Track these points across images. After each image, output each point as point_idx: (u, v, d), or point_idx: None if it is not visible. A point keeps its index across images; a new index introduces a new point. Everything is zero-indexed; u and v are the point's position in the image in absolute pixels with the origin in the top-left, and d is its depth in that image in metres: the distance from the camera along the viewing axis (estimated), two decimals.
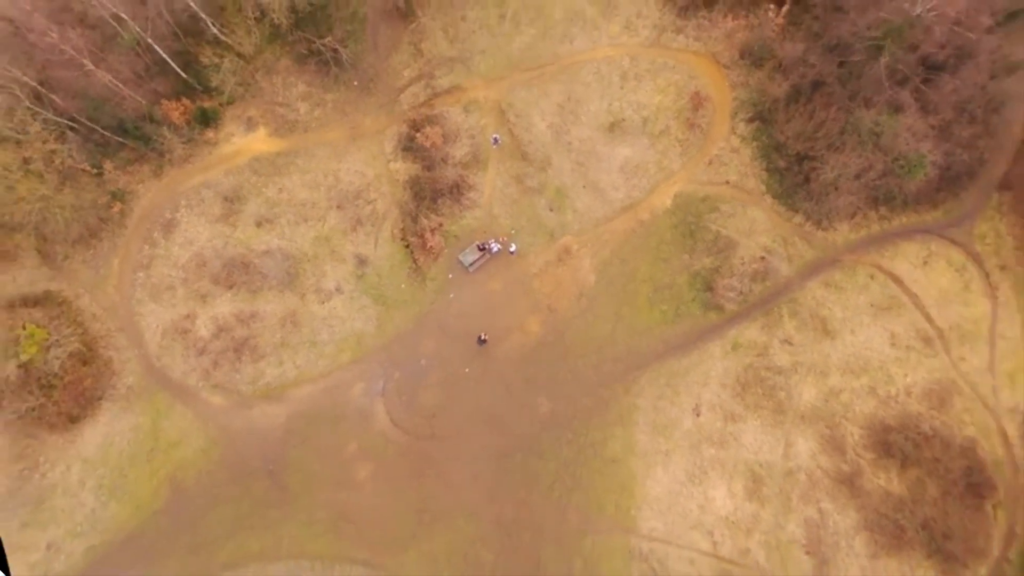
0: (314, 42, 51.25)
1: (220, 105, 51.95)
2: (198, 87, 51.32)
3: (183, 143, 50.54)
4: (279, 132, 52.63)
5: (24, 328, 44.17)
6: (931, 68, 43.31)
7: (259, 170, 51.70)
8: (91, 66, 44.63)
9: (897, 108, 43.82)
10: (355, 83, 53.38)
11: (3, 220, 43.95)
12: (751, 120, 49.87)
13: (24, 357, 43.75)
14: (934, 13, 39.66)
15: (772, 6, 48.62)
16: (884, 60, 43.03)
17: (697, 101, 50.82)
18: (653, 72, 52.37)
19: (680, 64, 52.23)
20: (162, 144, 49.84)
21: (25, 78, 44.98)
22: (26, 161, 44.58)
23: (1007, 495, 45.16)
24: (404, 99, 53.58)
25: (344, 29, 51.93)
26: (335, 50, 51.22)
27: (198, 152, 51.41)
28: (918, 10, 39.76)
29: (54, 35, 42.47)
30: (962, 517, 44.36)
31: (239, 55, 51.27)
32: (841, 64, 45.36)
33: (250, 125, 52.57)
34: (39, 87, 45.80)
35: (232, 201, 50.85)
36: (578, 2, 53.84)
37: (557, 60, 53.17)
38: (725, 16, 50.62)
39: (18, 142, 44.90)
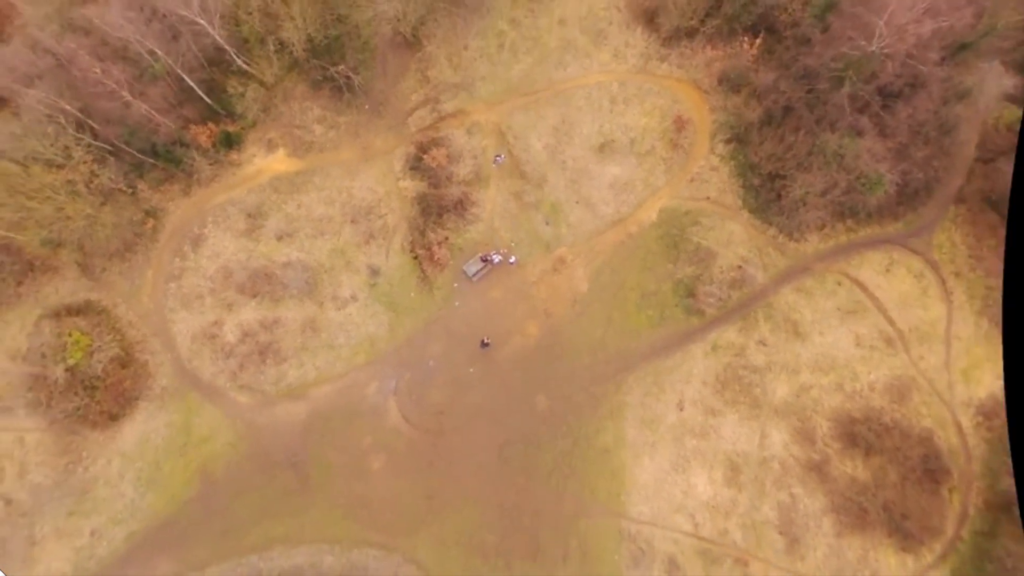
0: (328, 69, 55.78)
1: (243, 129, 56.51)
2: (222, 112, 55.91)
3: (210, 164, 55.10)
4: (297, 153, 57.23)
5: (70, 335, 48.68)
6: (888, 96, 48.10)
7: (279, 188, 56.29)
8: (129, 97, 49.24)
9: (858, 132, 48.59)
10: (366, 107, 57.96)
11: (51, 237, 48.35)
12: (729, 141, 54.62)
13: (71, 361, 48.28)
14: (888, 49, 44.42)
15: (746, 38, 53.37)
16: (846, 89, 47.82)
17: (680, 123, 55.54)
18: (640, 96, 57.07)
19: (664, 89, 56.98)
20: (191, 165, 54.42)
21: (69, 108, 49.65)
22: (70, 183, 49.06)
23: (961, 480, 49.87)
24: (412, 122, 58.16)
25: (356, 58, 56.39)
26: (348, 77, 55.78)
27: (223, 172, 56.00)
28: (874, 46, 44.51)
29: (98, 71, 47.02)
30: (920, 500, 49.08)
31: (261, 83, 55.84)
32: (808, 91, 50.13)
33: (270, 147, 57.17)
34: (81, 116, 50.40)
35: (255, 217, 55.43)
36: (571, 32, 58.56)
37: (552, 86, 57.84)
38: (705, 46, 55.40)
39: (62, 166, 49.41)
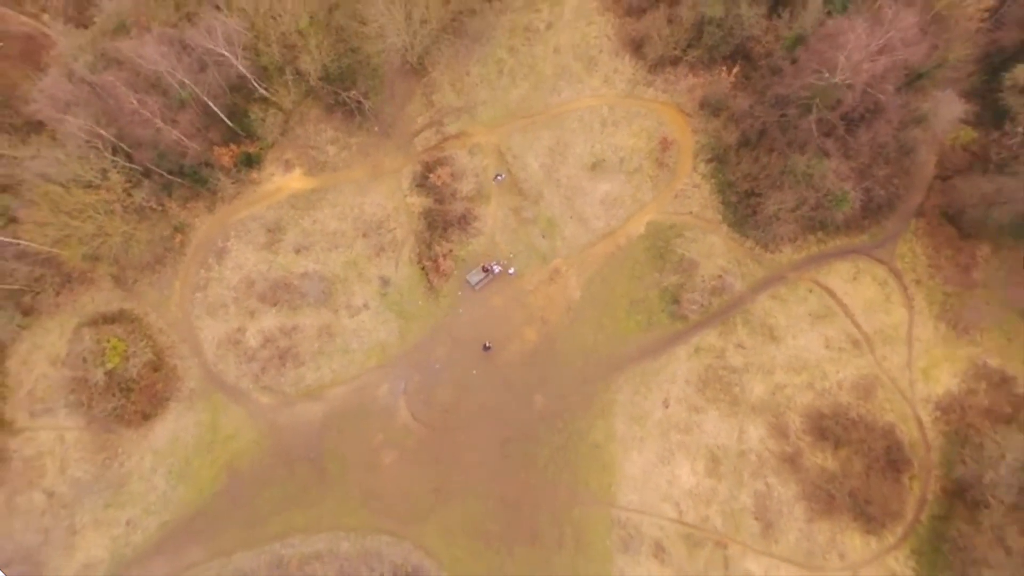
0: (341, 95, 60.51)
1: (262, 150, 61.22)
2: (243, 134, 60.58)
3: (232, 183, 59.75)
4: (312, 172, 61.94)
5: (109, 341, 53.21)
6: (851, 121, 53.05)
7: (296, 204, 60.98)
8: (161, 124, 53.90)
9: (825, 153, 53.52)
10: (376, 129, 62.70)
11: (91, 252, 52.84)
12: (709, 161, 59.54)
13: (109, 365, 52.81)
14: (848, 80, 49.37)
15: (725, 67, 58.30)
16: (814, 115, 52.74)
17: (665, 144, 60.42)
18: (628, 119, 61.94)
19: (650, 112, 61.89)
20: (215, 184, 59.11)
21: (105, 134, 54.27)
22: (107, 203, 53.62)
23: (920, 469, 54.77)
24: (418, 142, 62.93)
25: (366, 83, 61.11)
26: (359, 101, 60.53)
27: (245, 190, 60.68)
28: (836, 78, 49.47)
29: (134, 102, 51.65)
30: (883, 487, 53.93)
31: (279, 108, 60.52)
32: (781, 117, 55.05)
33: (288, 166, 61.88)
34: (116, 141, 55.03)
35: (274, 231, 60.10)
36: (565, 59, 63.43)
37: (547, 109, 62.68)
38: (687, 73, 60.34)
39: (100, 187, 53.98)
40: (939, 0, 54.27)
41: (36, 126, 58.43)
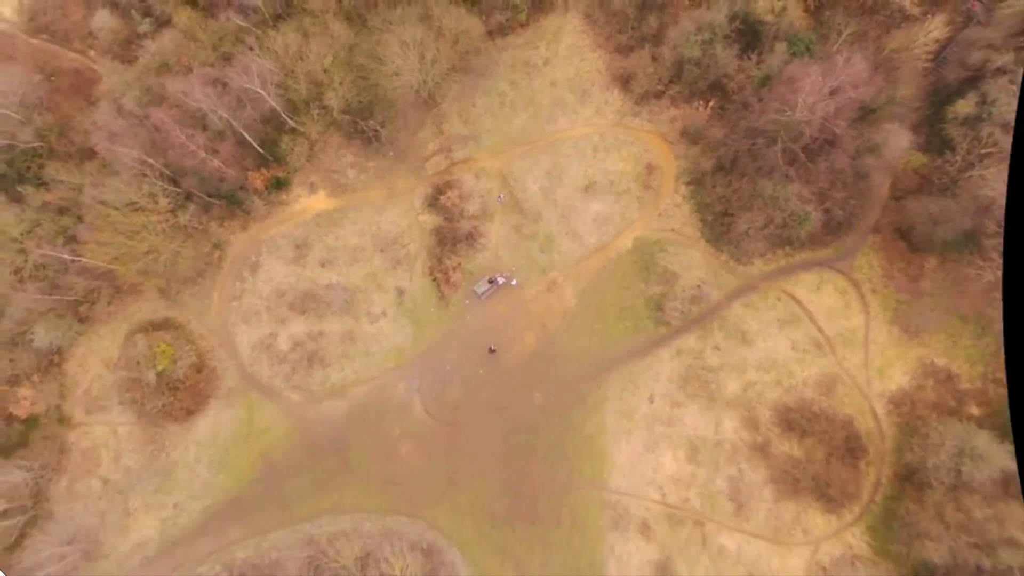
0: (359, 123, 67.79)
1: (290, 174, 68.38)
2: (273, 160, 67.75)
3: (264, 204, 66.89)
4: (334, 193, 69.12)
5: (159, 346, 60.28)
6: (811, 151, 60.36)
7: (320, 223, 68.16)
8: (204, 154, 61.05)
9: (789, 179, 60.79)
10: (391, 154, 69.90)
11: (144, 267, 59.90)
12: (689, 184, 66.89)
13: (160, 367, 59.90)
14: (807, 118, 56.75)
15: (702, 101, 65.62)
16: (779, 146, 60.03)
17: (650, 169, 67.73)
18: (617, 146, 69.25)
19: (637, 140, 69.23)
20: (249, 205, 66.24)
21: (154, 163, 61.43)
22: (157, 224, 60.74)
23: (875, 456, 62.03)
24: (428, 166, 70.14)
25: (383, 114, 68.41)
26: (376, 130, 67.79)
27: (275, 210, 67.85)
28: (796, 115, 56.86)
29: (183, 136, 58.80)
30: (842, 472, 61.20)
31: (306, 138, 67.70)
32: (751, 146, 62.35)
33: (313, 188, 69.06)
34: (164, 169, 62.18)
35: (301, 247, 67.26)
36: (561, 92, 70.72)
37: (545, 137, 69.95)
38: (669, 106, 67.70)
39: (150, 210, 61.09)
40: (889, 44, 61.89)
41: (89, 153, 65.55)
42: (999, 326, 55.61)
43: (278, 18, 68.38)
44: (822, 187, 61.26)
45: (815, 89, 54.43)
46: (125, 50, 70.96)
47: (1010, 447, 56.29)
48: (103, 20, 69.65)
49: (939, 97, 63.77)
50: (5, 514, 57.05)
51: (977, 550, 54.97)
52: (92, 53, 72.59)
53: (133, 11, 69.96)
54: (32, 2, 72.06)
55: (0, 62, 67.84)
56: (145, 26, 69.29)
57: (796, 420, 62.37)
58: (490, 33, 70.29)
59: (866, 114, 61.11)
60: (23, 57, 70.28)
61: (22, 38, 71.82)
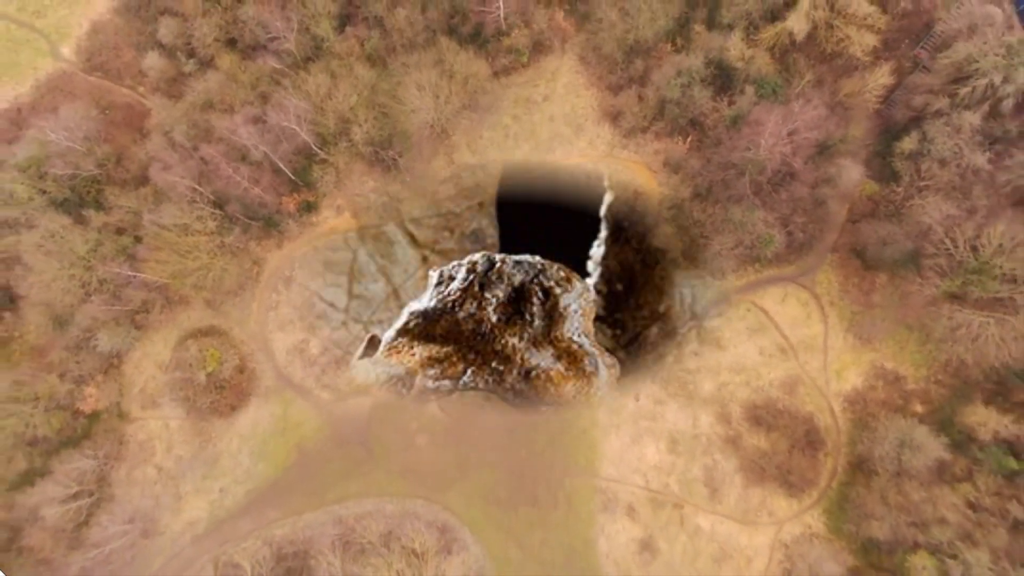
0: (380, 152, 76.75)
1: (319, 198, 77.26)
2: (303, 186, 76.68)
3: (296, 225, 75.82)
4: (357, 215, 78.08)
5: (209, 350, 69.15)
6: (774, 182, 69.56)
7: (350, 241, 77.11)
8: (247, 184, 70.03)
9: (756, 206, 69.97)
10: (407, 180, 78.86)
11: (195, 282, 68.76)
12: (671, 208, 76.05)
13: (209, 369, 68.73)
14: (769, 154, 65.91)
15: (681, 137, 74.83)
16: (747, 178, 69.17)
17: (636, 195, 76.83)
18: (608, 174, 78.33)
19: (625, 169, 78.30)
20: (283, 226, 75.18)
21: (202, 190, 70.40)
22: (206, 244, 69.64)
23: (832, 448, 70.96)
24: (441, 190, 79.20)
25: (400, 145, 77.37)
26: (394, 159, 76.78)
27: (306, 230, 76.78)
28: (760, 154, 66.03)
29: (230, 170, 67.75)
30: (803, 462, 70.12)
31: (334, 167, 76.66)
32: (723, 177, 71.53)
33: (339, 210, 78.01)
34: (211, 196, 71.13)
35: (329, 263, 76.22)
36: (558, 126, 79.74)
37: (544, 165, 78.99)
38: (653, 140, 76.82)
39: (200, 232, 69.99)
40: (843, 88, 71.20)
41: (142, 180, 74.46)
42: (939, 334, 64.63)
43: (308, 60, 77.38)
44: (785, 213, 70.35)
45: (775, 132, 63.62)
46: (171, 87, 79.82)
47: (944, 439, 65.48)
48: (152, 61, 78.42)
49: (889, 134, 72.99)
50: (75, 496, 65.66)
51: (914, 527, 64.06)
52: (142, 89, 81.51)
53: (179, 52, 78.90)
54: (89, 43, 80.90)
55: (64, 100, 76.81)
56: (190, 67, 78.23)
57: (763, 416, 71.26)
58: (495, 74, 79.33)
59: (823, 150, 70.35)
60: (81, 93, 79.28)
61: (80, 76, 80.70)
